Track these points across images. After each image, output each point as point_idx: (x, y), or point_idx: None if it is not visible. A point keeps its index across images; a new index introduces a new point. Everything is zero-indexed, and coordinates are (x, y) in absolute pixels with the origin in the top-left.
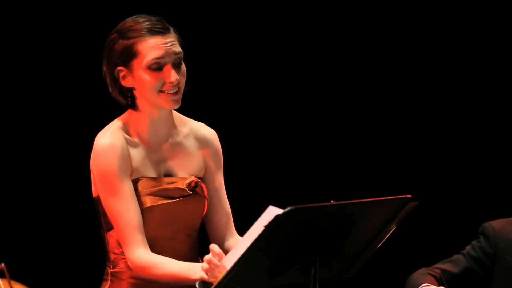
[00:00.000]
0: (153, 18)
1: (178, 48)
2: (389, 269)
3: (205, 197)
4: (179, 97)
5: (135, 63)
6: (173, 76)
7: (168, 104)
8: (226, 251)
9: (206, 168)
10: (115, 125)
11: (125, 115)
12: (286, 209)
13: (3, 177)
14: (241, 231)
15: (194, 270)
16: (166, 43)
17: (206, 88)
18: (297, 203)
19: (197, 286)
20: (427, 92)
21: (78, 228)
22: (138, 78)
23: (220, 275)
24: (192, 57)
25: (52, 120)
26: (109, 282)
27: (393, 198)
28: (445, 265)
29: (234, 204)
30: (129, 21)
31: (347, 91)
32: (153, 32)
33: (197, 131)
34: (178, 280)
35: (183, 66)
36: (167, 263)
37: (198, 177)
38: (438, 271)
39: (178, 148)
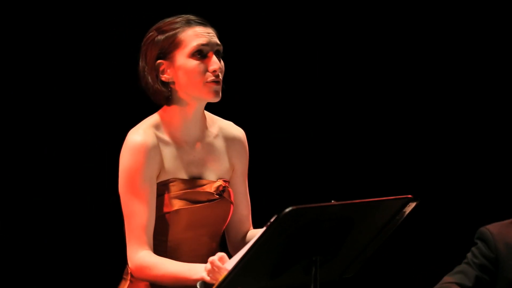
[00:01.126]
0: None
1: (218, 40)
2: (389, 269)
3: (231, 202)
4: (219, 88)
5: (177, 53)
6: (216, 63)
7: (210, 95)
8: (245, 244)
9: (234, 169)
10: (148, 122)
11: (158, 113)
12: (286, 209)
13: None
14: None
15: (195, 270)
16: (209, 33)
17: None
18: (297, 203)
19: (198, 286)
20: (427, 92)
21: (101, 226)
22: (180, 68)
23: (221, 276)
24: None
25: (71, 121)
26: (128, 281)
27: (393, 198)
28: (457, 277)
29: None
30: (166, 20)
31: (347, 91)
32: (194, 23)
33: (226, 130)
34: (179, 281)
35: (222, 62)
36: (167, 263)
37: (225, 181)
38: (457, 287)
39: (208, 149)
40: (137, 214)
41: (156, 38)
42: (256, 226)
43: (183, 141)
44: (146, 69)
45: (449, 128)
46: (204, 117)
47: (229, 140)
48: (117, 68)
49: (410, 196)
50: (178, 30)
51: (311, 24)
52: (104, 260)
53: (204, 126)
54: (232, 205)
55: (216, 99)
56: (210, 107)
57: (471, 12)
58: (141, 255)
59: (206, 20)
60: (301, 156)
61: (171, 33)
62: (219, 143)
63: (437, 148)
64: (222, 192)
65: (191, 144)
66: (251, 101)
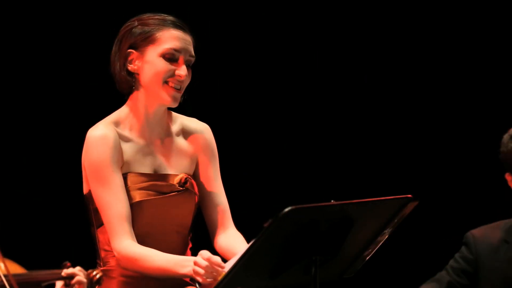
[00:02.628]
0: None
1: (192, 51)
2: (389, 269)
3: (195, 193)
4: (179, 96)
5: (150, 48)
6: (183, 70)
7: (168, 99)
8: (222, 247)
9: (197, 162)
10: (108, 119)
11: (119, 111)
12: (286, 209)
13: None
14: (242, 230)
15: (181, 264)
16: (186, 40)
17: (205, 88)
18: (297, 203)
19: (197, 286)
20: (427, 92)
21: (68, 226)
22: (148, 63)
23: (217, 275)
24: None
25: (44, 118)
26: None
27: (393, 198)
28: (429, 286)
29: (234, 204)
30: (148, 14)
31: (347, 91)
32: (176, 25)
33: (188, 126)
34: (165, 274)
35: (190, 72)
36: (155, 256)
37: (188, 174)
38: None
39: (169, 145)
40: (113, 204)
41: (133, 29)
42: (255, 226)
43: (143, 137)
44: (117, 55)
45: (449, 128)
46: (166, 115)
47: (191, 135)
48: (81, 62)
49: (410, 196)
50: (158, 26)
51: (310, 24)
52: (75, 260)
53: (166, 123)
54: (196, 196)
55: (173, 105)
56: (208, 106)
57: (471, 12)
58: (125, 245)
59: (186, 25)
60: (301, 156)
61: (149, 27)
62: (181, 140)
63: (437, 148)
64: (184, 184)
65: (152, 140)
66: (251, 101)
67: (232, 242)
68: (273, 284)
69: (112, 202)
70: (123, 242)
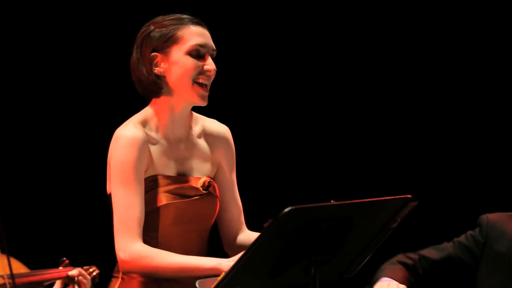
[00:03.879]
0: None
1: (214, 46)
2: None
3: (217, 196)
4: (207, 94)
5: (175, 48)
6: (211, 64)
7: (197, 99)
8: (238, 246)
9: (218, 167)
10: (136, 119)
11: (145, 110)
12: (286, 209)
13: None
14: None
15: (206, 259)
16: (206, 34)
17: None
18: (296, 203)
19: (197, 285)
20: (427, 92)
21: (90, 225)
22: (176, 63)
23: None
24: None
25: (64, 119)
26: (119, 279)
27: (393, 198)
28: (428, 251)
29: None
30: (162, 16)
31: (347, 91)
32: (194, 22)
33: (209, 129)
34: (185, 270)
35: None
36: (172, 254)
37: (210, 177)
38: (416, 257)
39: (193, 147)
40: (131, 206)
41: (152, 32)
42: (255, 226)
43: (168, 139)
44: (140, 61)
45: (448, 128)
46: (191, 116)
47: (213, 138)
48: (103, 67)
49: (410, 196)
50: (177, 26)
51: (310, 25)
52: (92, 261)
53: (189, 125)
54: (218, 200)
55: (203, 104)
56: (210, 108)
57: (471, 12)
58: (137, 246)
59: (202, 20)
60: (301, 156)
61: (169, 28)
62: (203, 142)
63: (437, 148)
64: (208, 187)
65: (176, 142)
66: (251, 101)
67: (252, 236)
68: (273, 284)
69: (131, 204)
70: (135, 244)
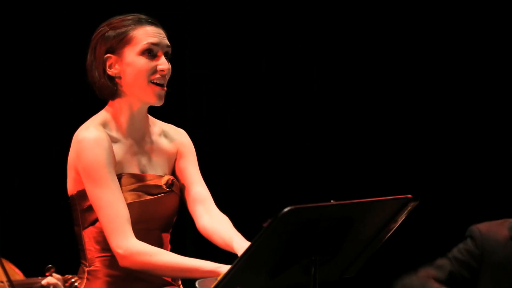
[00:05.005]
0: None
1: (168, 42)
2: (389, 269)
3: (178, 194)
4: (163, 93)
5: (127, 49)
6: (165, 64)
7: (154, 98)
8: (203, 227)
9: (175, 160)
10: (96, 120)
11: (103, 112)
12: (286, 209)
13: None
14: (243, 231)
15: (206, 262)
16: (160, 33)
17: (205, 87)
18: (297, 203)
19: (197, 285)
20: (427, 92)
21: (52, 226)
22: (129, 65)
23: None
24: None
25: (27, 119)
26: (85, 280)
27: (393, 198)
28: (433, 272)
29: (234, 204)
30: (117, 17)
31: (347, 91)
32: (146, 22)
33: (167, 131)
34: (184, 271)
35: (170, 64)
36: (171, 253)
37: (172, 176)
38: (434, 282)
39: (152, 146)
40: (114, 204)
41: (106, 34)
42: (255, 226)
43: (129, 137)
44: (94, 64)
45: (448, 128)
46: (147, 115)
47: (170, 137)
48: (60, 66)
49: (410, 196)
50: (130, 27)
51: (310, 24)
52: (58, 261)
53: (147, 124)
54: (178, 197)
55: (159, 103)
56: (209, 108)
57: (471, 12)
58: (133, 241)
59: (157, 20)
60: (301, 156)
61: (122, 29)
62: (162, 142)
63: (437, 148)
64: (171, 186)
65: (137, 140)
66: (251, 101)
67: (217, 223)
68: (272, 284)
69: (113, 202)
70: (130, 240)
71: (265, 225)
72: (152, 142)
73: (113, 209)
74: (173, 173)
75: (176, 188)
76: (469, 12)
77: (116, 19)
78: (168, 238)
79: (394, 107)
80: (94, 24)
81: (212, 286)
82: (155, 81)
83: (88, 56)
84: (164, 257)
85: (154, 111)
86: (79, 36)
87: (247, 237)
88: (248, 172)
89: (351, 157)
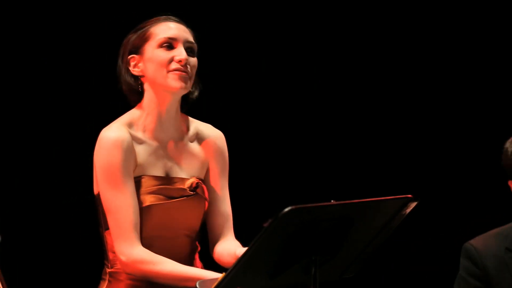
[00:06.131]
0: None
1: (191, 38)
2: (389, 269)
3: (205, 198)
4: (187, 79)
5: (147, 46)
6: (182, 54)
7: (175, 84)
8: (217, 253)
9: (208, 169)
10: (121, 120)
11: (131, 112)
12: (287, 209)
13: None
14: (242, 231)
15: (207, 272)
16: (180, 28)
17: (205, 88)
18: (297, 203)
19: (197, 286)
20: (426, 92)
21: (76, 227)
22: (149, 60)
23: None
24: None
25: (54, 119)
26: (107, 281)
27: (393, 198)
28: None
29: (234, 204)
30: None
31: (347, 91)
32: (168, 19)
33: (203, 133)
34: (186, 280)
35: (195, 59)
36: (173, 262)
37: (199, 179)
38: None
39: (182, 148)
40: (123, 209)
41: (131, 38)
42: (255, 226)
43: (156, 139)
44: (122, 68)
45: (449, 128)
46: (179, 116)
47: (206, 142)
48: (92, 70)
49: (410, 196)
50: (150, 25)
51: (310, 24)
52: (82, 262)
53: (178, 125)
54: (206, 202)
55: (181, 90)
56: (209, 108)
57: (471, 12)
58: (139, 250)
59: (184, 20)
60: (301, 155)
61: (143, 29)
62: (194, 145)
63: (437, 148)
64: (195, 189)
65: (165, 142)
66: (251, 101)
67: (228, 245)
68: (272, 284)
69: (123, 207)
70: (135, 248)
71: (265, 225)
72: (182, 144)
73: (122, 214)
74: (204, 178)
75: (202, 191)
76: (469, 12)
77: (141, 24)
78: (195, 243)
79: (394, 107)
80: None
81: (213, 286)
82: (172, 69)
83: (118, 63)
84: (166, 266)
85: None
86: (115, 38)
87: (248, 238)
88: (248, 172)
89: (351, 157)
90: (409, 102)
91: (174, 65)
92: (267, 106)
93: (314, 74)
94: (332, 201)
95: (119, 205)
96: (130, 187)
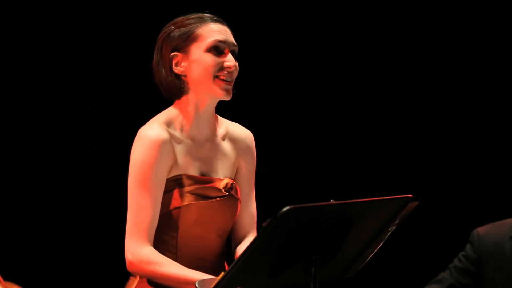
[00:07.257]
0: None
1: (234, 41)
2: (389, 269)
3: (238, 199)
4: (230, 88)
5: (194, 46)
6: (232, 61)
7: (221, 93)
8: (237, 251)
9: (238, 171)
10: (160, 118)
11: (169, 110)
12: (285, 209)
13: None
14: None
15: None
16: (226, 31)
17: None
18: (297, 203)
19: (197, 286)
20: (426, 92)
21: (105, 223)
22: (195, 62)
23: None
24: None
25: (78, 119)
26: (137, 278)
27: (394, 198)
28: (432, 287)
29: None
30: (183, 16)
31: (348, 91)
32: (214, 20)
33: (233, 132)
34: (189, 283)
35: (237, 63)
36: (177, 264)
37: (232, 179)
38: None
39: (216, 148)
40: (145, 209)
41: (172, 33)
42: (255, 225)
43: (193, 138)
44: (160, 63)
45: (449, 128)
46: (214, 116)
47: (236, 141)
48: (127, 66)
49: (410, 196)
50: (196, 24)
51: (311, 24)
52: (109, 259)
53: (213, 126)
54: (239, 202)
55: (226, 97)
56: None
57: (471, 12)
58: (146, 250)
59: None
60: (301, 155)
61: (188, 27)
62: (226, 144)
63: (437, 148)
64: (230, 189)
65: (201, 142)
66: (251, 100)
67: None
68: (272, 284)
69: (145, 206)
70: (144, 248)
71: (264, 224)
72: (216, 144)
73: (142, 213)
74: (234, 178)
75: (236, 193)
76: (469, 12)
77: (180, 18)
78: (225, 242)
79: (394, 107)
80: (152, 25)
81: (212, 286)
82: (221, 78)
83: (154, 56)
84: (171, 269)
85: None
86: (147, 35)
87: None
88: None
89: (351, 157)
90: (409, 102)
91: (221, 72)
92: (267, 106)
93: (314, 74)
94: (332, 201)
95: (142, 203)
96: (159, 189)
